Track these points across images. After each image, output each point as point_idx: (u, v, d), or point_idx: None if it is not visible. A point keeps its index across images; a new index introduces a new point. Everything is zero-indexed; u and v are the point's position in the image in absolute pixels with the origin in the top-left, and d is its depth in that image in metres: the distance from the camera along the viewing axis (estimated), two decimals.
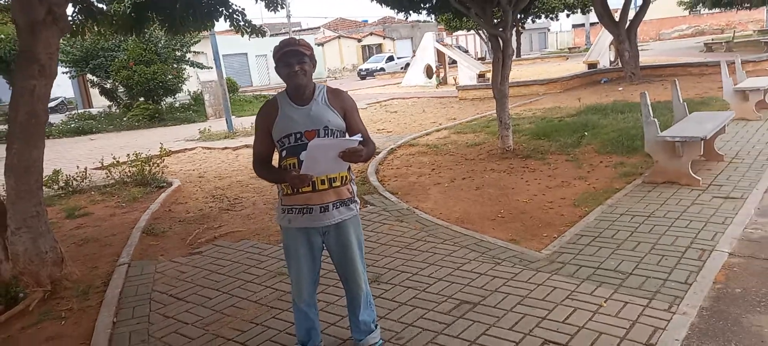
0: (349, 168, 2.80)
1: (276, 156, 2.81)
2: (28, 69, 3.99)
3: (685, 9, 34.25)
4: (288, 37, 2.78)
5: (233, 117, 14.83)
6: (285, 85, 2.75)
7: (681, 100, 6.60)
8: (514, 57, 8.37)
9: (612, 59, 21.27)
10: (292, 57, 2.62)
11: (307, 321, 2.95)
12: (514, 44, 8.62)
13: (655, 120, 5.64)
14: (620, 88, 14.30)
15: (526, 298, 3.51)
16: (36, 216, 4.28)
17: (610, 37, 19.29)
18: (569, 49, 47.15)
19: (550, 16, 29.16)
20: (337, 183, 2.74)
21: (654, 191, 5.42)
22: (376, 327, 3.04)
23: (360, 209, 2.98)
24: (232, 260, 4.76)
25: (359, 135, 2.64)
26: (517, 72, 24.41)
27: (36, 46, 3.94)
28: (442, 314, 3.41)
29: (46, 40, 3.98)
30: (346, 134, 2.73)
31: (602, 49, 21.52)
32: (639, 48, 16.52)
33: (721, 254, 3.85)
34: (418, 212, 5.55)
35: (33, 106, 4.05)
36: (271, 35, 38.88)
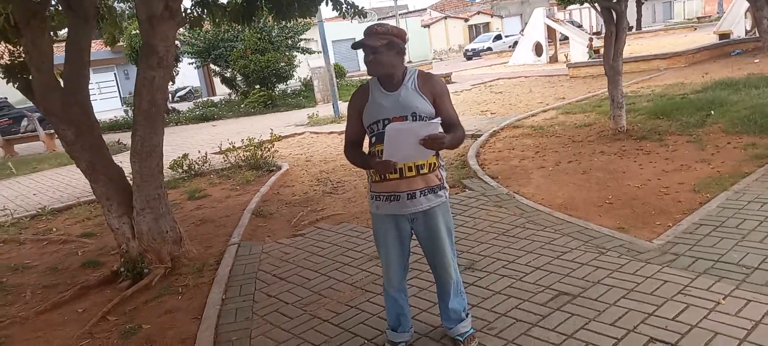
0: (438, 154, 2.75)
1: (367, 142, 2.83)
2: (148, 60, 4.35)
3: None
4: (370, 24, 2.76)
5: (340, 102, 15.25)
6: None
7: None
8: (633, 30, 7.77)
9: (748, 28, 19.10)
10: (366, 50, 2.62)
11: (397, 307, 2.96)
12: (634, 16, 7.96)
13: None
14: (756, 60, 12.82)
15: (631, 291, 3.27)
16: (157, 198, 4.68)
17: (746, 4, 17.30)
18: (698, 18, 43.02)
19: None
20: (425, 170, 2.71)
21: None
22: (467, 316, 2.99)
23: (450, 195, 2.93)
24: (331, 243, 4.91)
25: (439, 119, 2.58)
26: (637, 46, 22.77)
27: (154, 39, 4.28)
28: (539, 305, 3.27)
29: (164, 33, 4.30)
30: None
31: (736, 16, 19.39)
32: None
33: None
34: (518, 197, 5.37)
35: (153, 95, 4.42)
36: (379, 18, 39.35)
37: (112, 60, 30.57)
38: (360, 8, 6.97)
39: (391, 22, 41.93)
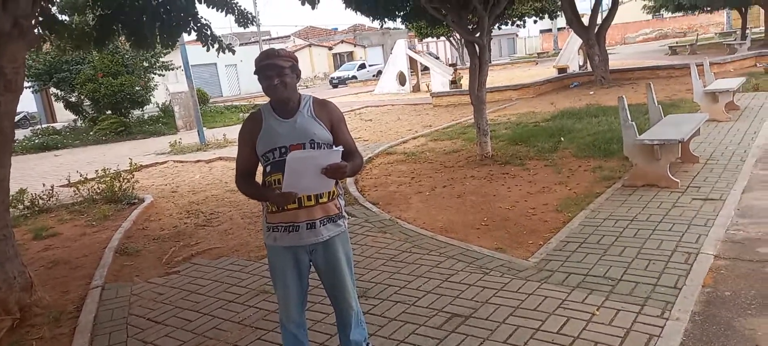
0: (337, 182, 2.70)
1: (260, 170, 2.69)
2: None
3: (648, 13, 35.11)
4: (268, 48, 2.66)
5: (205, 129, 14.54)
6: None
7: (656, 103, 6.68)
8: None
9: (581, 63, 21.62)
10: (271, 70, 2.51)
11: (296, 342, 2.82)
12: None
13: (634, 124, 5.68)
14: (591, 93, 14.51)
15: (517, 308, 3.45)
16: (3, 239, 4.07)
17: (579, 42, 19.62)
18: (538, 54, 47.86)
19: (518, 23, 29.56)
20: (324, 199, 2.63)
21: (634, 195, 5.46)
22: (367, 345, 2.94)
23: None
24: (211, 279, 4.59)
25: (340, 147, 2.55)
26: (489, 78, 24.63)
27: (1, 60, 3.74)
28: (434, 328, 3.33)
29: (12, 54, 3.78)
30: (332, 147, 2.63)
31: (571, 53, 21.87)
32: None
33: (707, 257, 3.87)
34: (400, 222, 5.47)
35: None
36: (241, 44, 38.48)
37: None
38: (226, 43, 6.77)
39: (255, 50, 41.14)
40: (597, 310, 3.32)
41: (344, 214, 2.77)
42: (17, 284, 4.16)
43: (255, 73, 2.57)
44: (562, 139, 8.42)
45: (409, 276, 4.14)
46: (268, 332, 3.53)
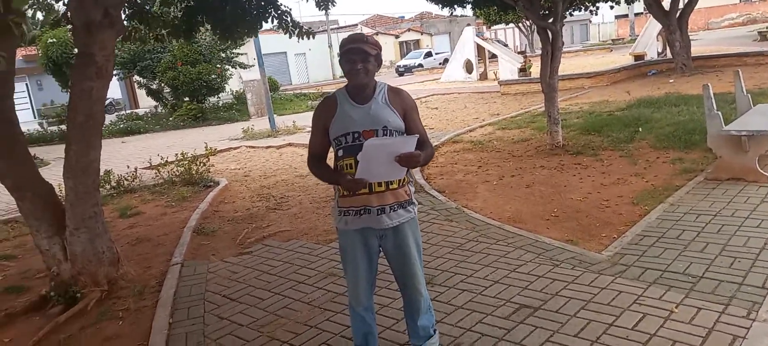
0: (408, 169, 2.71)
1: (332, 155, 2.75)
2: (85, 71, 4.05)
3: None
4: (357, 32, 2.70)
5: (275, 115, 14.94)
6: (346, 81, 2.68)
7: (744, 92, 6.26)
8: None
9: (660, 50, 20.54)
10: (357, 54, 2.54)
11: (365, 326, 2.87)
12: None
13: (719, 113, 5.35)
14: (671, 80, 13.77)
15: (589, 302, 3.35)
16: (93, 217, 4.36)
17: (657, 27, 18.64)
18: (613, 40, 45.86)
19: (592, 8, 28.40)
20: (395, 185, 2.65)
21: (718, 189, 5.15)
22: (435, 332, 2.95)
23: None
24: (282, 260, 4.74)
25: (416, 136, 2.55)
26: (561, 65, 23.87)
27: (93, 48, 4.00)
28: (502, 318, 3.29)
29: (103, 42, 4.02)
30: (404, 135, 2.64)
31: (649, 39, 20.79)
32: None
33: None
34: (467, 211, 5.43)
35: (91, 108, 4.12)
36: (312, 38, 39.14)
37: (23, 70, 28.58)
38: (307, 28, 6.89)
39: (323, 38, 41.69)
40: (676, 307, 3.17)
41: (414, 200, 2.79)
42: (106, 259, 4.45)
43: (341, 54, 2.61)
44: (639, 129, 8.05)
45: (476, 265, 4.11)
46: (336, 313, 3.61)
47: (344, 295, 3.78)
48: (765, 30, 26.97)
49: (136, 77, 21.72)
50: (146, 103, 27.45)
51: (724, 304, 3.15)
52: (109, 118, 21.46)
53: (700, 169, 5.82)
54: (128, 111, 27.38)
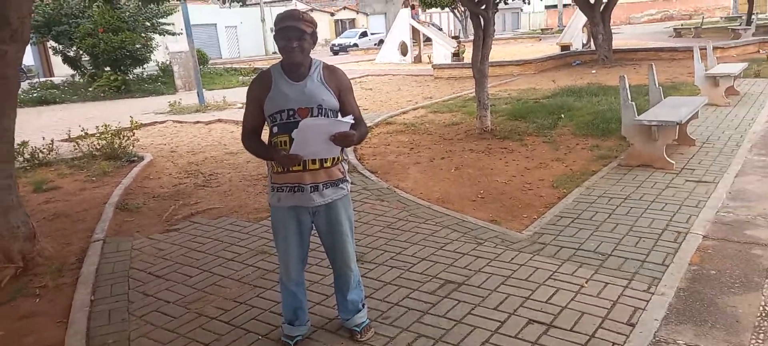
0: (342, 148, 2.76)
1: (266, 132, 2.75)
2: None
3: None
4: (292, 9, 2.69)
5: (204, 90, 14.50)
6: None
7: (656, 85, 6.72)
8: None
9: (584, 42, 21.51)
10: (292, 32, 2.55)
11: (295, 301, 2.92)
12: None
13: (633, 104, 5.73)
14: (593, 71, 14.50)
15: (509, 278, 3.55)
16: (7, 189, 4.13)
17: (583, 20, 19.51)
18: (542, 30, 47.49)
19: None
20: (328, 163, 2.70)
21: (629, 174, 5.54)
22: (363, 306, 3.04)
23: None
24: (211, 238, 4.68)
25: (351, 116, 2.60)
26: (492, 52, 24.51)
27: (7, 9, 3.75)
28: (428, 293, 3.43)
29: (18, 3, 3.78)
30: (339, 115, 2.69)
31: (575, 31, 21.75)
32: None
33: (696, 237, 3.97)
34: (398, 191, 5.55)
35: (4, 72, 3.87)
36: (243, 5, 37.98)
37: None
38: None
39: (256, 12, 40.46)
40: (586, 282, 3.43)
41: (348, 178, 2.85)
42: (20, 234, 4.23)
43: (275, 31, 2.60)
44: (562, 116, 8.47)
45: (405, 243, 4.23)
46: (266, 289, 3.63)
47: (275, 272, 3.80)
48: (680, 27, 28.85)
49: (52, 43, 20.36)
50: (62, 72, 25.73)
51: (628, 279, 3.43)
52: (22, 86, 20.03)
53: (615, 156, 6.22)
54: (42, 79, 25.63)
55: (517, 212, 4.84)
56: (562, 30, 27.04)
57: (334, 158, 2.71)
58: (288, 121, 2.61)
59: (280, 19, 2.58)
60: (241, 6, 8.11)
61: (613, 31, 16.55)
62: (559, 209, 4.77)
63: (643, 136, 5.68)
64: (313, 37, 2.63)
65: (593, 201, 4.87)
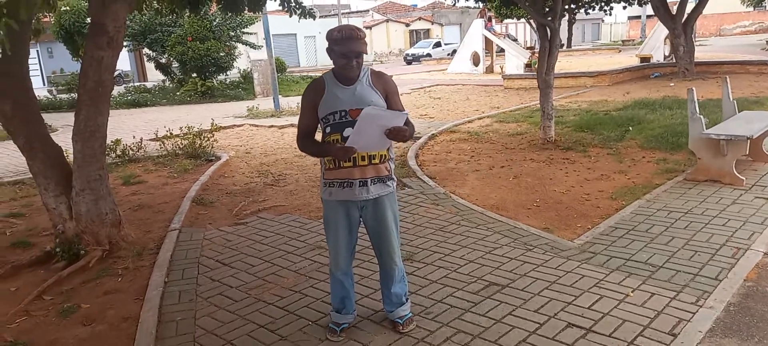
0: (389, 148, 2.96)
1: (319, 135, 2.99)
2: (97, 40, 4.30)
3: (748, 5, 32.70)
4: (348, 25, 2.91)
5: (280, 96, 15.19)
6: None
7: (730, 98, 6.46)
8: (564, 47, 8.30)
9: (666, 54, 20.61)
10: (353, 54, 2.76)
11: (343, 290, 3.14)
12: (565, 35, 8.50)
13: (701, 117, 5.57)
14: (672, 84, 13.92)
15: (553, 283, 3.61)
16: (98, 179, 4.63)
17: (665, 31, 18.69)
18: (623, 41, 45.73)
19: (605, 8, 28.36)
20: (377, 160, 2.91)
21: (695, 189, 5.38)
22: (406, 300, 3.21)
23: (397, 187, 3.14)
24: (274, 232, 5.01)
25: (406, 111, 2.81)
26: (567, 63, 23.98)
27: (105, 18, 4.24)
28: (471, 293, 3.55)
29: (115, 13, 4.27)
30: None
31: (657, 42, 20.87)
32: (697, 43, 16.05)
33: (756, 253, 3.84)
34: (454, 196, 5.67)
35: (100, 76, 4.37)
36: (320, 16, 39.22)
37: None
38: (309, 9, 7.09)
39: (333, 22, 41.75)
40: (632, 292, 3.42)
41: (393, 177, 3.04)
42: (108, 220, 4.73)
43: (334, 46, 2.77)
44: (630, 128, 8.26)
45: (455, 246, 4.36)
46: (320, 281, 3.88)
47: (328, 265, 4.03)
48: None
49: (146, 50, 21.99)
50: (154, 77, 27.71)
51: (676, 291, 3.40)
52: (118, 90, 21.75)
53: (682, 170, 6.04)
54: (136, 83, 27.67)
55: (572, 221, 4.85)
56: (644, 41, 25.98)
57: (381, 156, 2.91)
58: (340, 121, 2.84)
59: (338, 38, 2.75)
60: (312, 20, 8.48)
61: (700, 42, 15.82)
62: (614, 219, 4.73)
63: (712, 150, 5.50)
64: (365, 49, 2.86)
65: (652, 214, 4.79)
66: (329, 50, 2.84)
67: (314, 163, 7.64)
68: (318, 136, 3.01)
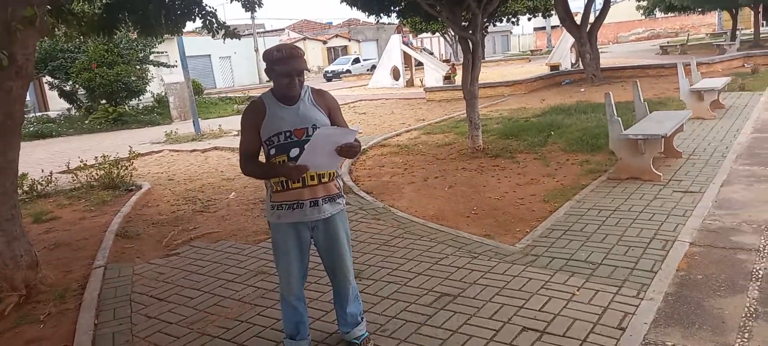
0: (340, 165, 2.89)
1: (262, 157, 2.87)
2: (5, 71, 3.93)
3: (642, 13, 35.44)
4: (284, 43, 2.84)
5: (200, 119, 14.65)
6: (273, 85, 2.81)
7: (642, 100, 6.91)
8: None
9: (573, 61, 21.89)
10: (296, 72, 2.69)
11: (296, 315, 3.01)
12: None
13: (619, 119, 5.90)
14: (582, 90, 14.76)
15: (503, 289, 3.66)
16: (11, 219, 4.22)
17: (571, 40, 19.87)
18: (531, 51, 48.22)
19: (512, 20, 29.77)
20: (326, 179, 2.83)
21: (618, 187, 5.68)
22: (362, 319, 3.13)
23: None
24: (211, 261, 4.77)
25: (358, 127, 2.76)
26: (482, 74, 24.80)
27: (13, 48, 3.89)
28: (424, 306, 3.52)
29: (24, 42, 3.92)
30: None
31: (564, 51, 22.14)
32: (599, 51, 17.06)
33: (683, 244, 4.09)
34: (393, 210, 5.66)
35: (10, 108, 3.99)
36: (234, 37, 38.46)
37: None
38: (233, 29, 6.90)
39: (250, 42, 40.94)
40: (577, 290, 3.53)
41: (343, 194, 2.97)
42: (24, 263, 4.31)
43: (275, 66, 2.69)
44: (552, 133, 8.64)
45: (401, 259, 4.33)
46: (267, 308, 3.72)
47: (274, 291, 3.89)
48: (666, 45, 29.37)
49: (48, 78, 20.56)
50: (57, 106, 25.90)
51: (618, 286, 3.54)
52: None
53: (604, 170, 6.37)
54: (38, 113, 25.75)
55: (510, 226, 4.96)
56: (551, 51, 27.48)
57: (330, 174, 2.84)
58: (285, 142, 2.74)
59: (279, 58, 2.69)
60: (234, 40, 8.28)
61: (601, 50, 16.89)
62: (550, 222, 4.89)
63: (631, 150, 5.84)
64: (305, 67, 2.79)
65: (583, 213, 5.00)
66: (268, 70, 2.75)
67: (245, 185, 7.40)
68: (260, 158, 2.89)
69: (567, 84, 16.82)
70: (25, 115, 19.07)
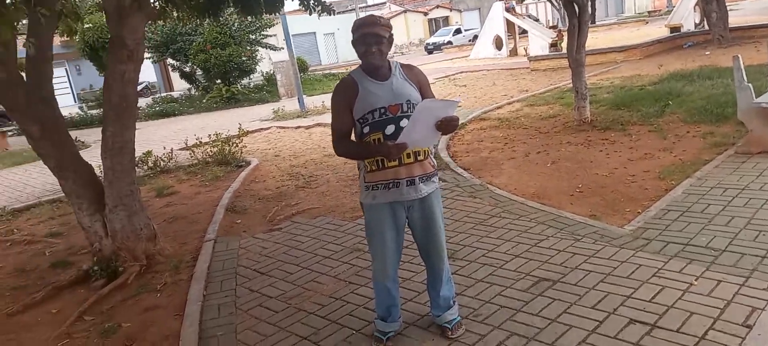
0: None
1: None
2: (117, 54, 4.24)
3: None
4: (369, 14, 2.77)
5: (305, 96, 15.12)
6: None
7: None
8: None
9: (697, 21, 19.89)
10: (371, 38, 2.62)
11: (389, 298, 2.97)
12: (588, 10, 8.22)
13: (750, 85, 5.24)
14: (707, 53, 13.38)
15: (608, 275, 3.40)
16: (130, 194, 4.58)
17: None
18: (649, 12, 44.47)
19: None
20: (421, 157, 2.76)
21: (748, 162, 5.07)
22: (454, 303, 3.05)
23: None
24: (310, 236, 4.90)
25: (458, 98, 2.68)
26: (592, 39, 23.31)
27: (123, 32, 4.18)
28: (521, 291, 3.37)
29: (132, 26, 4.20)
30: None
31: (686, 10, 20.15)
32: (729, 8, 15.35)
33: None
34: (491, 187, 5.48)
35: (124, 90, 4.32)
36: (338, 13, 39.18)
37: (62, 55, 29.42)
38: (328, 4, 6.94)
39: (352, 17, 41.86)
40: (695, 280, 3.20)
41: (437, 172, 2.89)
42: (143, 235, 4.68)
43: (354, 37, 2.67)
44: (670, 103, 7.91)
45: (498, 240, 4.18)
46: (361, 286, 3.74)
47: (368, 269, 3.90)
48: None
49: (170, 60, 22.22)
50: (180, 86, 28.01)
51: (745, 276, 3.16)
52: (145, 102, 22.05)
53: (731, 143, 5.72)
54: (163, 94, 28.03)
55: (619, 206, 4.61)
56: (671, 11, 25.16)
57: (425, 151, 2.76)
58: (380, 119, 2.67)
59: (358, 26, 2.65)
60: (331, 16, 8.33)
61: (730, 7, 15.19)
62: (665, 201, 4.48)
63: (763, 120, 5.18)
64: (390, 40, 2.69)
65: (705, 193, 4.52)
66: (353, 43, 2.71)
67: (345, 162, 7.51)
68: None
69: (689, 47, 15.32)
70: (152, 96, 20.87)
